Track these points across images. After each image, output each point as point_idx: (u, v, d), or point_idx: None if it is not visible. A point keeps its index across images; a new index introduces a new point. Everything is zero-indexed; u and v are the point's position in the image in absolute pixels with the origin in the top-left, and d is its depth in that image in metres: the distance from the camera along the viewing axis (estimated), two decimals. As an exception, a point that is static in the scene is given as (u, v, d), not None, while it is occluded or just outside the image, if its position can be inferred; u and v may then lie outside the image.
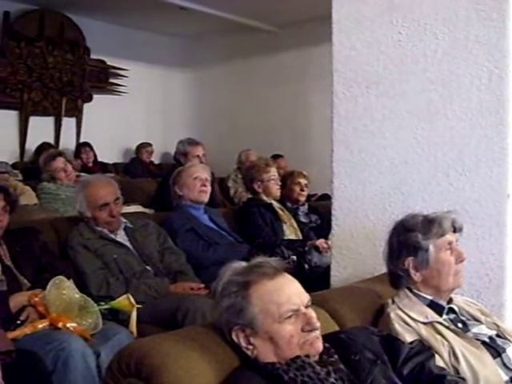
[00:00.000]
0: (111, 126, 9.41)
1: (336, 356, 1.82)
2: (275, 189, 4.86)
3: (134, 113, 9.81)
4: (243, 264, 1.86)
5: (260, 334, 1.74)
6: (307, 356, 1.73)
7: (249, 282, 1.77)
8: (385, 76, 3.04)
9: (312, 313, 1.79)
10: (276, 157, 7.56)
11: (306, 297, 1.81)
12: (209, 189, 4.29)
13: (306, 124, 9.08)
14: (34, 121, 8.73)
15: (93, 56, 9.35)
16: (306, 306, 1.79)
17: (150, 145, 9.44)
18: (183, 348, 1.72)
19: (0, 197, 3.18)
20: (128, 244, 3.59)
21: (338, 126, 3.14)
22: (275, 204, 4.82)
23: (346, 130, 3.12)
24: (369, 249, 3.07)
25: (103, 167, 8.47)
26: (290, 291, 1.78)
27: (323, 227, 4.82)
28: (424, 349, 2.03)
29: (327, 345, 1.83)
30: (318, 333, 1.78)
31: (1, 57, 8.30)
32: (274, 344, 1.73)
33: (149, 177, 8.12)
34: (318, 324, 1.78)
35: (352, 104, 3.11)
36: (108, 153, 9.05)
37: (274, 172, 4.92)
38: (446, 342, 2.16)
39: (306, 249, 4.38)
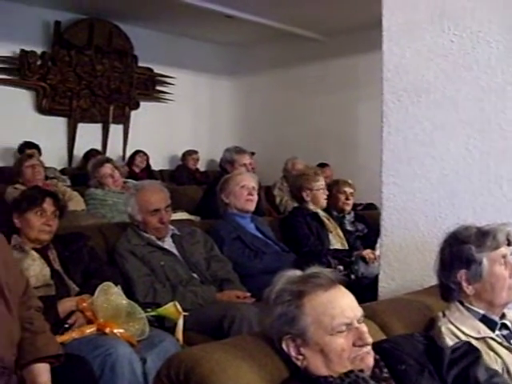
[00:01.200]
0: (158, 133, 9.49)
1: (386, 369, 1.78)
2: (323, 198, 4.84)
3: (180, 120, 9.87)
4: (298, 273, 1.83)
5: (311, 344, 1.71)
6: (361, 371, 1.69)
7: (303, 291, 1.74)
8: (436, 85, 2.99)
9: (364, 327, 1.75)
10: (322, 165, 7.51)
11: (359, 311, 1.78)
12: (255, 198, 4.27)
13: (352, 133, 9.02)
14: (82, 127, 8.85)
15: (140, 64, 9.46)
16: (359, 321, 1.76)
17: (195, 152, 9.49)
18: (232, 357, 1.70)
19: (49, 202, 3.23)
20: (175, 251, 3.61)
21: (387, 135, 3.10)
22: (321, 213, 4.78)
23: (395, 139, 3.07)
24: (418, 260, 3.02)
25: (149, 174, 8.53)
26: (344, 304, 1.75)
27: (370, 237, 4.77)
28: (470, 349, 1.96)
29: (377, 357, 1.80)
30: (369, 348, 1.75)
31: (51, 65, 8.45)
32: (325, 356, 1.70)
33: (194, 184, 8.15)
34: (369, 340, 1.74)
35: (402, 113, 3.06)
36: (154, 160, 9.12)
37: (322, 181, 4.90)
38: (499, 359, 2.10)
39: (353, 259, 4.35)
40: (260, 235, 4.18)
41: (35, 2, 8.07)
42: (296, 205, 5.07)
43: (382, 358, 1.81)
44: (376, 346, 1.84)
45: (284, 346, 1.74)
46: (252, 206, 4.24)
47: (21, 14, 8.02)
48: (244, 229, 4.12)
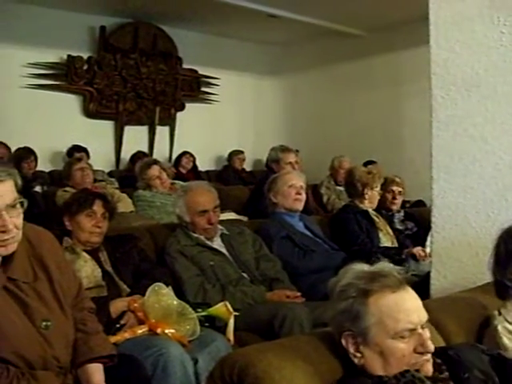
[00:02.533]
0: (203, 134, 9.54)
1: (447, 373, 1.74)
2: (377, 198, 4.81)
3: (225, 121, 9.91)
4: (366, 267, 1.79)
5: (371, 345, 1.67)
6: (417, 370, 1.65)
7: (370, 290, 1.70)
8: (486, 78, 2.93)
9: (427, 334, 1.70)
10: (369, 163, 7.44)
11: (424, 316, 1.72)
12: (303, 197, 4.25)
13: (398, 129, 8.92)
14: (128, 130, 8.95)
15: (185, 66, 9.52)
16: (423, 326, 1.70)
17: (241, 152, 9.52)
18: (286, 358, 1.69)
19: (99, 204, 3.27)
20: (224, 251, 3.61)
21: (437, 130, 3.05)
22: (371, 211, 4.73)
23: (445, 134, 3.02)
24: (470, 257, 2.96)
25: (196, 175, 8.58)
26: (410, 308, 1.70)
27: (419, 234, 4.71)
28: None
29: (439, 360, 1.75)
30: (429, 356, 1.70)
31: (98, 69, 8.57)
32: (384, 359, 1.66)
33: (241, 184, 8.16)
34: (431, 347, 1.68)
35: (452, 108, 3.01)
36: (200, 160, 9.17)
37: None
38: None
39: (403, 256, 4.30)
40: (309, 234, 4.16)
41: (81, 9, 8.19)
42: (345, 203, 5.04)
43: (445, 363, 1.77)
44: (439, 352, 1.79)
45: (343, 341, 1.71)
46: (300, 205, 4.22)
47: (67, 21, 8.15)
48: (293, 228, 4.10)
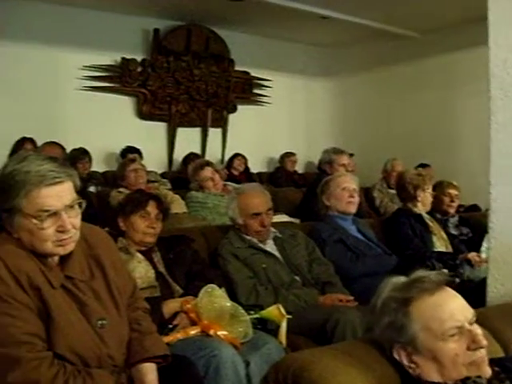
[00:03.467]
0: (255, 135, 9.55)
1: (508, 382, 1.69)
2: (430, 199, 4.73)
3: (277, 123, 9.90)
4: (402, 278, 1.78)
5: (422, 352, 1.65)
6: (478, 377, 1.62)
7: (409, 298, 1.69)
8: (547, 79, 2.85)
9: (478, 329, 1.67)
10: (423, 166, 7.33)
11: (470, 312, 1.70)
12: (357, 200, 4.21)
13: (452, 131, 8.76)
14: (181, 132, 9.01)
15: (237, 68, 9.53)
16: (471, 323, 1.67)
17: (293, 154, 9.47)
18: (342, 363, 1.67)
19: (153, 205, 3.29)
20: (277, 254, 3.60)
21: (496, 133, 2.97)
22: (425, 215, 4.66)
23: (505, 137, 2.94)
24: (529, 264, 2.89)
25: (248, 177, 8.59)
26: (453, 307, 1.68)
27: (474, 240, 4.62)
28: None
29: (497, 369, 1.71)
30: (484, 352, 1.66)
31: (151, 71, 8.66)
32: (438, 363, 1.63)
33: (293, 186, 8.13)
34: (484, 342, 1.65)
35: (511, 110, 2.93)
36: (252, 162, 9.18)
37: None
38: None
39: (458, 262, 4.21)
40: (362, 237, 4.12)
41: (135, 12, 8.29)
42: (398, 206, 4.99)
43: (504, 372, 1.72)
44: (497, 362, 1.75)
45: (395, 354, 1.70)
46: (353, 208, 4.18)
47: (121, 24, 8.28)
48: (346, 231, 4.08)
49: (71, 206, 1.98)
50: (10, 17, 7.46)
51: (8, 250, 1.93)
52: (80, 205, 2.02)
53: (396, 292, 1.73)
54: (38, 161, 1.95)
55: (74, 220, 1.98)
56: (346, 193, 4.14)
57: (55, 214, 1.93)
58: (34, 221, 1.92)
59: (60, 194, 1.94)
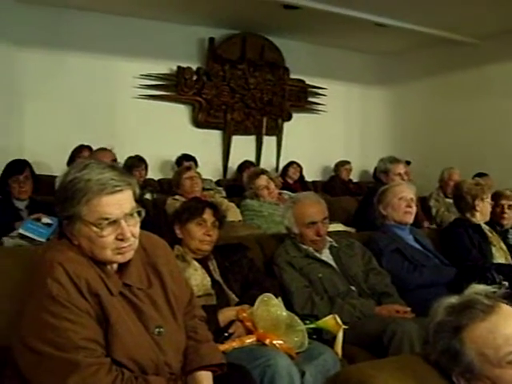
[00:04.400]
0: (310, 144, 9.54)
1: None
2: (489, 209, 4.64)
3: (332, 131, 9.87)
4: (453, 300, 1.72)
5: (481, 378, 1.60)
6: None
7: (460, 325, 1.64)
8: None
9: None
10: (481, 175, 7.19)
11: None
12: (414, 209, 4.14)
13: (512, 140, 8.59)
14: (236, 140, 9.06)
15: (292, 76, 9.54)
16: None
17: (348, 163, 9.42)
18: (402, 377, 1.64)
19: (209, 213, 3.30)
20: (333, 263, 3.58)
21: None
22: (484, 225, 4.56)
23: None
24: None
25: (303, 185, 8.57)
26: (508, 331, 1.60)
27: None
28: None
29: None
30: None
31: (206, 80, 8.75)
32: None
33: (348, 195, 8.06)
34: None
35: None
36: (307, 170, 9.16)
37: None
38: None
39: (519, 274, 4.11)
40: (419, 247, 4.05)
41: (190, 21, 8.39)
42: (455, 216, 4.89)
43: None
44: None
45: (455, 380, 1.65)
46: (410, 218, 4.11)
47: (177, 33, 8.40)
48: (403, 241, 4.01)
49: (131, 215, 2.00)
50: (69, 27, 7.66)
51: (68, 257, 1.95)
52: (139, 213, 2.04)
53: (448, 317, 1.68)
54: (99, 169, 1.97)
55: (133, 228, 2.01)
56: (403, 202, 4.08)
57: (115, 222, 1.96)
58: (94, 228, 1.94)
59: (120, 203, 1.96)
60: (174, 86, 8.56)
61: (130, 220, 1.99)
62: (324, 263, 3.55)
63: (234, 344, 2.76)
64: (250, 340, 2.78)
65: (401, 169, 5.38)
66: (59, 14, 7.62)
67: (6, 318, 2.43)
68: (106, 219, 1.94)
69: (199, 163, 7.80)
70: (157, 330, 2.06)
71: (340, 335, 2.94)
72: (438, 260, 4.05)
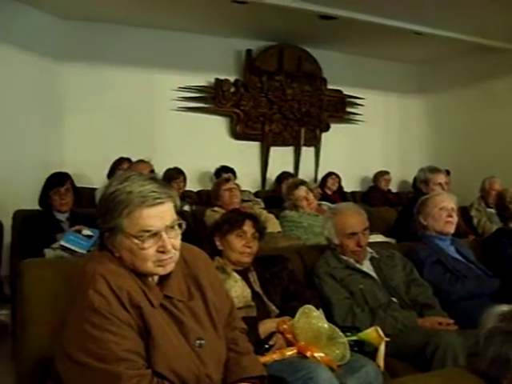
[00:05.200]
0: (348, 154, 9.51)
1: None
2: None
3: (370, 141, 9.83)
4: (505, 308, 1.70)
5: None
6: None
7: None
8: None
9: None
10: (523, 185, 7.06)
11: None
12: (455, 219, 4.07)
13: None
14: (274, 151, 9.08)
15: (329, 86, 9.54)
16: None
17: (387, 173, 9.34)
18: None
19: (249, 224, 3.30)
20: (374, 274, 3.54)
21: None
22: (527, 235, 4.48)
23: None
24: None
25: (342, 196, 8.53)
26: None
27: None
28: None
29: None
30: None
31: (244, 91, 8.80)
32: None
33: (387, 205, 7.99)
34: None
35: None
36: (346, 181, 9.11)
37: None
38: None
39: None
40: (461, 258, 3.98)
41: (228, 33, 8.47)
42: (497, 226, 4.81)
43: None
44: None
45: None
46: (452, 229, 4.05)
47: (215, 45, 8.48)
48: (444, 252, 3.95)
49: (172, 227, 2.01)
50: (109, 41, 7.79)
51: (110, 269, 1.96)
52: (180, 225, 2.05)
53: (499, 323, 1.65)
54: (140, 181, 1.99)
55: (174, 240, 2.01)
56: (444, 212, 4.03)
57: (156, 234, 1.97)
58: (136, 241, 1.95)
59: (161, 215, 1.97)
60: (212, 98, 8.62)
61: (171, 232, 2.00)
62: (365, 274, 3.51)
63: (274, 356, 2.74)
64: (290, 352, 2.75)
65: (441, 178, 5.31)
66: (99, 29, 7.76)
67: (48, 328, 2.45)
68: (148, 231, 1.95)
69: (238, 175, 7.81)
70: (198, 341, 2.06)
71: (382, 348, 2.90)
72: (481, 271, 3.96)
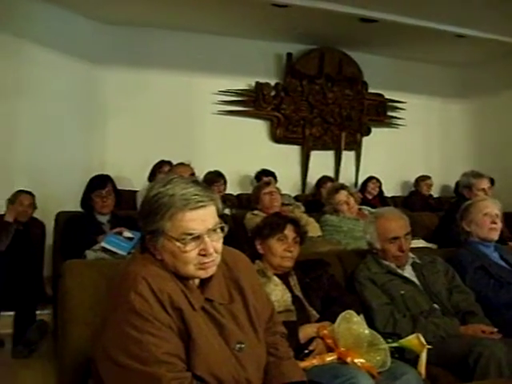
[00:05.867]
0: (389, 159, 9.42)
1: None
2: None
3: (411, 145, 9.71)
4: None
5: None
6: None
7: None
8: None
9: None
10: None
11: None
12: (499, 226, 3.98)
13: None
14: (314, 155, 9.04)
15: (370, 90, 9.47)
16: None
17: (429, 177, 9.20)
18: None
19: (291, 228, 3.28)
20: (415, 280, 3.50)
21: None
22: None
23: None
24: None
25: (382, 200, 8.45)
26: None
27: None
28: None
29: None
30: None
31: (284, 95, 8.79)
32: None
33: (428, 210, 7.88)
34: None
35: None
36: (386, 186, 9.01)
37: None
38: None
39: None
40: (505, 265, 3.89)
41: (268, 37, 8.48)
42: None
43: None
44: None
45: None
46: (496, 235, 3.96)
47: (255, 49, 8.50)
48: (488, 258, 3.87)
49: (214, 230, 2.01)
50: (149, 45, 7.88)
51: (151, 271, 1.97)
52: (222, 229, 2.04)
53: None
54: (183, 184, 1.99)
55: (216, 244, 2.01)
56: (488, 218, 3.95)
57: (198, 237, 1.97)
58: (178, 244, 1.96)
59: (203, 218, 1.97)
60: (253, 102, 8.63)
61: (213, 235, 2.00)
62: (406, 280, 3.47)
63: (314, 361, 2.71)
64: (330, 358, 2.73)
65: (485, 184, 5.23)
66: (140, 33, 7.84)
67: (89, 329, 2.48)
68: (190, 234, 1.95)
69: (278, 178, 7.80)
70: (238, 345, 2.05)
71: (424, 355, 2.84)
72: (527, 278, 3.88)
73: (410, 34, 8.04)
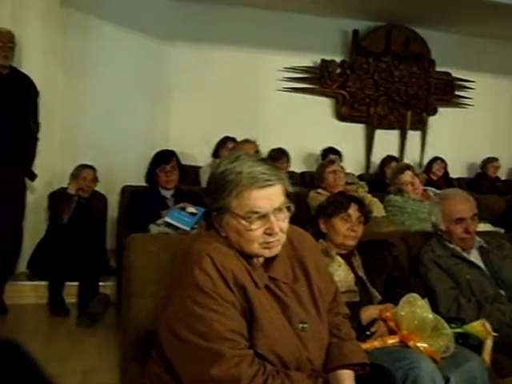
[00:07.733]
0: (456, 139, 9.22)
1: None
2: None
3: (479, 126, 9.47)
4: None
5: None
6: None
7: None
8: None
9: None
10: None
11: None
12: None
13: None
14: (379, 134, 8.93)
15: (438, 68, 9.25)
16: None
17: (496, 159, 8.98)
18: None
19: (355, 208, 3.25)
20: (481, 265, 3.42)
21: None
22: None
23: None
24: None
25: (447, 182, 8.30)
26: None
27: None
28: None
29: None
30: None
31: (350, 73, 8.70)
32: None
33: (494, 193, 7.71)
34: None
35: None
36: (452, 167, 8.85)
37: None
38: None
39: None
40: None
41: (334, 14, 8.36)
42: None
43: None
44: None
45: None
46: None
47: (321, 26, 8.40)
48: (560, 243, 3.77)
49: (280, 209, 1.99)
50: (214, 21, 7.88)
51: (216, 248, 1.97)
52: (288, 208, 2.03)
53: None
54: (250, 162, 1.98)
55: (281, 223, 1.99)
56: (559, 203, 3.85)
57: (264, 216, 1.95)
58: (243, 222, 1.95)
59: (270, 197, 1.95)
60: (318, 79, 8.56)
61: (279, 215, 1.98)
62: (472, 264, 3.39)
63: (375, 343, 2.68)
64: (392, 341, 2.69)
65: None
66: (206, 9, 7.85)
67: (152, 302, 2.51)
68: (256, 213, 1.94)
69: (342, 157, 7.75)
70: (300, 325, 2.04)
71: (489, 343, 2.78)
72: None
73: (480, 10, 7.80)
